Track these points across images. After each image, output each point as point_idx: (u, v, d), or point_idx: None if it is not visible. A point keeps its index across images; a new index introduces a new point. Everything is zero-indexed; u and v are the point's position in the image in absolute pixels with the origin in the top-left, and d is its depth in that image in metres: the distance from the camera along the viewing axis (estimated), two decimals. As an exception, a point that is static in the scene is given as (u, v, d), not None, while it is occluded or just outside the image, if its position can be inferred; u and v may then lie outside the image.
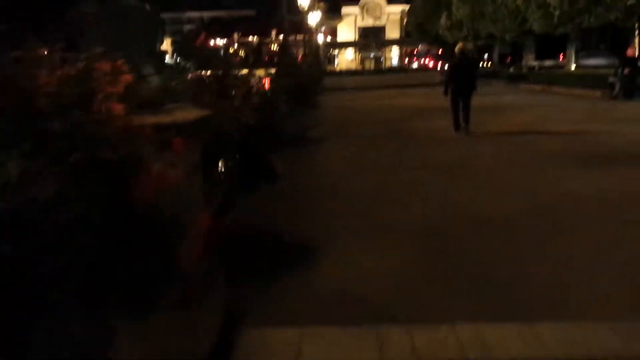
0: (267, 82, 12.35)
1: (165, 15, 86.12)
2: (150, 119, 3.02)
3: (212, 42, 77.07)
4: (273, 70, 14.48)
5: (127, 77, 2.47)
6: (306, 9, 32.71)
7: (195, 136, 3.65)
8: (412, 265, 5.07)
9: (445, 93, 13.43)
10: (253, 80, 6.77)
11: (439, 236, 5.87)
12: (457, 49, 13.68)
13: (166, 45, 69.39)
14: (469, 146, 11.92)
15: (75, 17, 3.59)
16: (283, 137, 12.60)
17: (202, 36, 77.90)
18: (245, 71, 8.51)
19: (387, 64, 70.47)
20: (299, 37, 54.96)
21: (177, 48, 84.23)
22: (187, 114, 3.45)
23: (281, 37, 67.30)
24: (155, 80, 3.47)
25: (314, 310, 4.15)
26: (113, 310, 1.92)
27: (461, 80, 13.13)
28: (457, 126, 13.43)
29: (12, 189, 1.73)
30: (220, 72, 6.07)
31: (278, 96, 11.48)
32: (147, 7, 3.74)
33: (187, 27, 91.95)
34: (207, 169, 4.34)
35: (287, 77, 13.41)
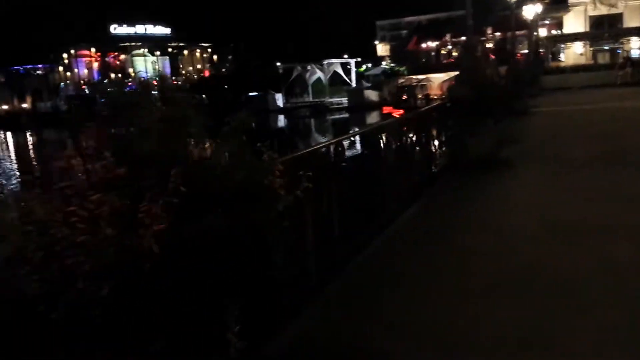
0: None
1: (384, 22, 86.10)
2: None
3: (424, 45, 74.88)
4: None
5: None
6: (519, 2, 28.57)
7: None
8: None
9: None
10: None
11: None
12: None
13: (385, 50, 68.97)
14: None
15: None
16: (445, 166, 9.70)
17: (414, 40, 76.28)
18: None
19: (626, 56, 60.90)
20: (520, 32, 49.92)
21: (392, 53, 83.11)
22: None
23: (497, 34, 62.40)
24: None
25: None
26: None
27: None
28: None
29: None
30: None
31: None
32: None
33: (404, 32, 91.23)
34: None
35: (466, 83, 10.39)
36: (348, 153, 5.83)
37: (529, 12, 32.26)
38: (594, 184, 8.16)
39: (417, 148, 8.20)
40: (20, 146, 64.30)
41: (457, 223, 6.53)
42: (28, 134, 76.90)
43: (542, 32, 60.11)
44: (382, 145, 6.61)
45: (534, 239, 5.79)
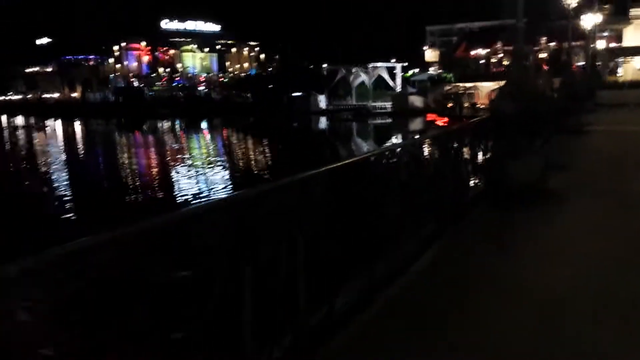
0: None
1: (435, 27, 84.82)
2: None
3: (473, 52, 72.25)
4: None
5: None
6: (577, 11, 26.49)
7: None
8: None
9: None
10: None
11: None
12: None
13: (434, 56, 67.43)
14: None
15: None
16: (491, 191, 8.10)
17: (463, 46, 73.94)
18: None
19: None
20: (576, 43, 47.36)
21: (441, 59, 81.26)
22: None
23: (552, 44, 59.61)
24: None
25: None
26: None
27: None
28: None
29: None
30: None
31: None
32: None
33: (454, 39, 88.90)
34: None
35: (512, 96, 8.77)
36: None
37: (588, 21, 30.04)
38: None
39: (444, 174, 6.69)
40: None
41: (483, 286, 4.91)
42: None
43: (600, 44, 57.15)
44: (394, 173, 5.16)
45: (590, 322, 4.17)
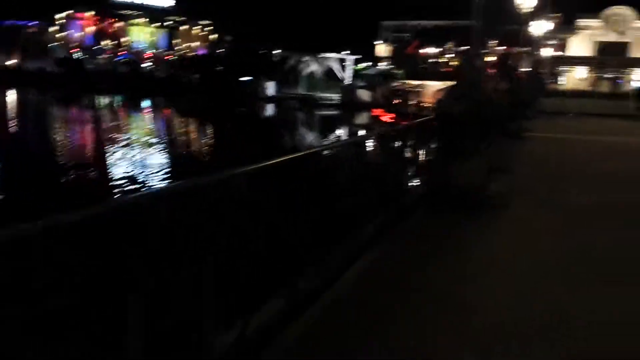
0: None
1: (389, 23, 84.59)
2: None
3: (424, 51, 72.81)
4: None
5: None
6: (527, 16, 26.80)
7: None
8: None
9: None
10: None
11: None
12: None
13: (387, 52, 66.64)
14: None
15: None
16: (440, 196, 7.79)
17: (414, 44, 74.40)
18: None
19: (629, 87, 59.42)
20: (524, 49, 48.27)
21: (394, 56, 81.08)
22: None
23: (500, 48, 60.64)
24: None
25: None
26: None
27: None
28: None
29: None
30: None
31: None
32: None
33: (406, 36, 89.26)
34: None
35: (463, 97, 8.46)
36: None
37: (538, 28, 30.45)
38: (610, 252, 6.02)
39: (384, 175, 6.29)
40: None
41: (418, 294, 4.51)
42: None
43: (546, 52, 58.56)
44: (328, 172, 4.70)
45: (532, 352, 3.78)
